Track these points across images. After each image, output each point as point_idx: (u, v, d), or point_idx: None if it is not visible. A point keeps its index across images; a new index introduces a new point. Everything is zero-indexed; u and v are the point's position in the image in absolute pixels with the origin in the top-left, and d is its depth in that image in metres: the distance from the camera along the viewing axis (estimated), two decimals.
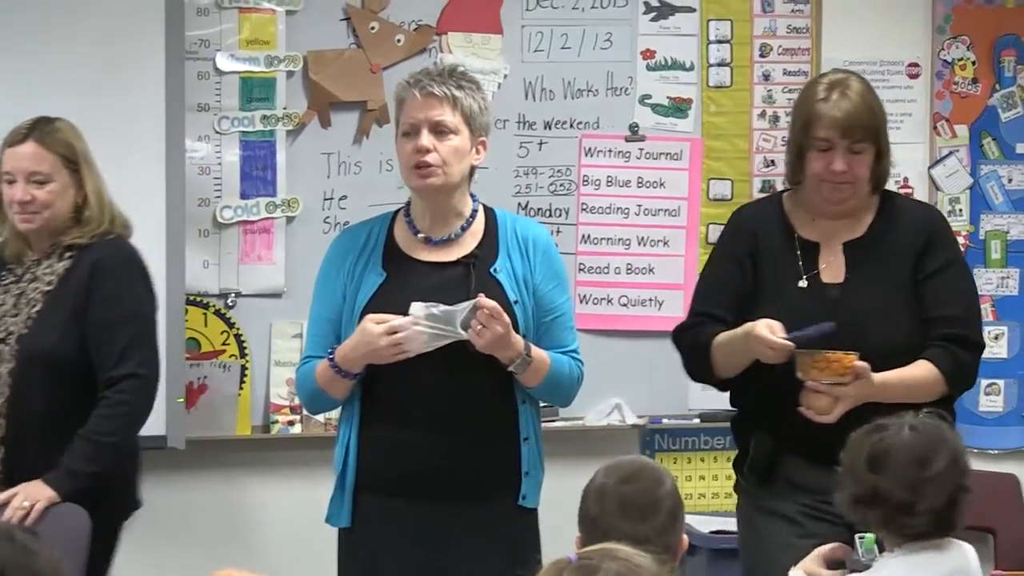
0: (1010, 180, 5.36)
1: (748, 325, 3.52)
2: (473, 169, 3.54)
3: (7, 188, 3.62)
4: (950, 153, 5.13)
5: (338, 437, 3.56)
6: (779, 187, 4.85)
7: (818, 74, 4.85)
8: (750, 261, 3.74)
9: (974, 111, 5.35)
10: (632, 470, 2.86)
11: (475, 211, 3.55)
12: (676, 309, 4.94)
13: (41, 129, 3.67)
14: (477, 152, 3.49)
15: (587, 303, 4.96)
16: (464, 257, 3.55)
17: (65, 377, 3.53)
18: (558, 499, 4.59)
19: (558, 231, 4.87)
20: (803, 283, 3.67)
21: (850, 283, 3.69)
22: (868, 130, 3.55)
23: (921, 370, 3.61)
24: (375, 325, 3.36)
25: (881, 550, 3.00)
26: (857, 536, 3.14)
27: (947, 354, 3.60)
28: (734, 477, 4.04)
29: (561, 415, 4.86)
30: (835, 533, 3.26)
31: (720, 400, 4.77)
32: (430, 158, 3.40)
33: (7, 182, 3.63)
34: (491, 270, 3.54)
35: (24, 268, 3.72)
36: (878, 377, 3.52)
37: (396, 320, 3.35)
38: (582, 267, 4.92)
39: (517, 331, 3.45)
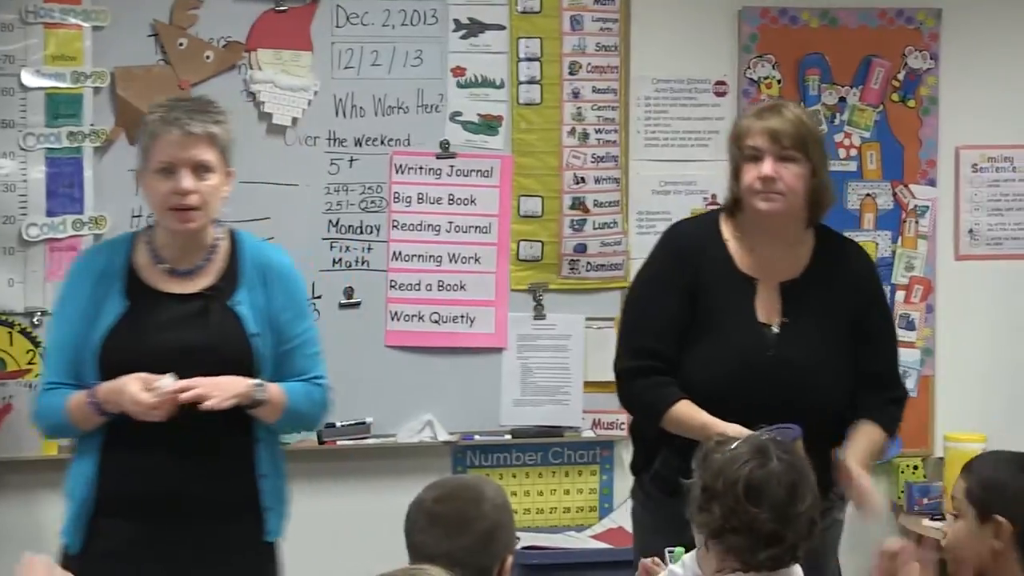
0: None
1: (710, 425, 3.51)
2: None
3: None
4: None
5: (75, 461, 3.55)
6: (589, 206, 5.04)
7: (626, 91, 5.04)
8: (691, 291, 3.71)
9: None
10: (451, 488, 2.89)
11: (218, 239, 3.56)
12: (487, 325, 5.03)
13: None
14: (228, 182, 3.50)
15: (398, 320, 4.97)
16: (205, 290, 3.52)
17: None
18: (368, 514, 4.71)
19: (369, 248, 4.90)
20: (742, 323, 3.71)
21: (787, 328, 3.70)
22: (797, 139, 3.57)
23: (877, 436, 3.73)
24: (140, 392, 3.36)
25: None
26: (668, 550, 3.19)
27: (889, 416, 3.75)
28: (562, 490, 4.08)
29: (373, 432, 4.90)
30: None
31: (531, 416, 5.04)
32: (192, 200, 3.37)
33: None
34: (230, 303, 3.53)
35: None
36: (859, 460, 3.66)
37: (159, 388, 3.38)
38: (393, 284, 4.92)
39: (254, 366, 3.49)
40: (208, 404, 3.31)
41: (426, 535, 2.68)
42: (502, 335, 5.04)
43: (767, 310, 3.68)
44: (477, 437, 5.04)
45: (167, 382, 3.32)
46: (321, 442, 4.85)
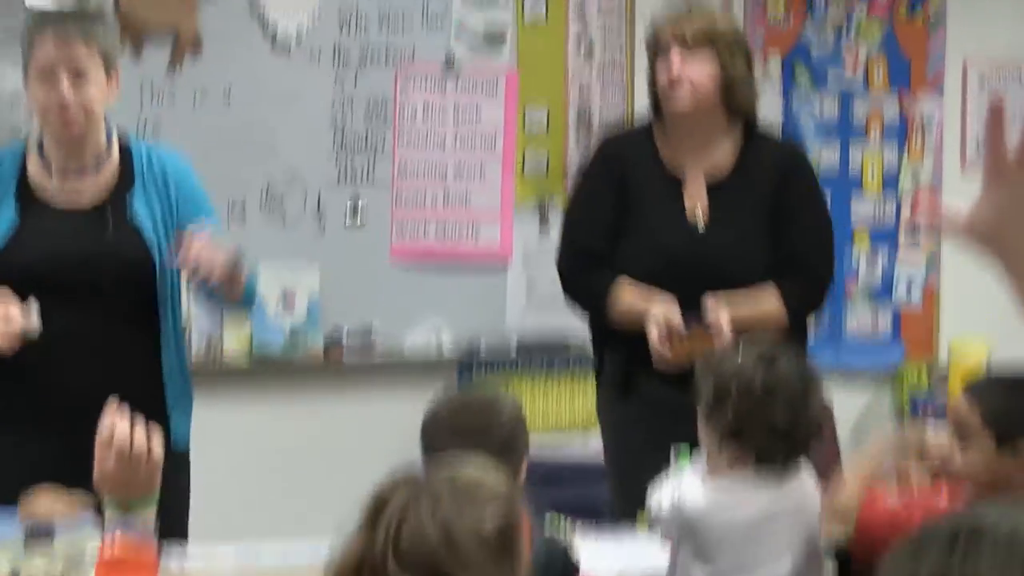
0: (820, 111, 5.53)
1: (648, 312, 3.66)
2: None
3: None
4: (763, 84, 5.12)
5: None
6: (594, 119, 5.11)
7: (631, 7, 5.07)
8: (619, 191, 3.82)
9: (787, 42, 5.50)
10: (468, 399, 3.11)
11: (110, 140, 3.56)
12: (493, 239, 5.11)
13: None
14: (113, 87, 3.51)
15: (404, 234, 5.07)
16: (101, 203, 3.57)
17: None
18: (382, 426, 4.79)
19: (374, 163, 4.98)
20: (669, 222, 3.80)
21: (713, 223, 3.80)
22: (701, 34, 3.65)
23: (770, 305, 3.78)
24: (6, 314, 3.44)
25: None
26: (674, 446, 3.38)
27: (795, 290, 3.77)
28: (553, 397, 4.15)
29: (380, 345, 5.01)
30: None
31: (534, 324, 5.14)
32: (72, 106, 3.42)
33: None
34: (127, 212, 3.56)
35: None
36: (733, 317, 3.68)
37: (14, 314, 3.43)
38: (398, 198, 5.03)
39: (155, 276, 3.54)
40: (212, 280, 3.38)
41: (447, 445, 2.75)
42: (507, 248, 5.13)
43: (693, 208, 3.82)
44: (483, 344, 5.13)
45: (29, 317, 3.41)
46: (327, 356, 4.95)
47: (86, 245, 3.48)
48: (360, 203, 5.10)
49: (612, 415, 4.00)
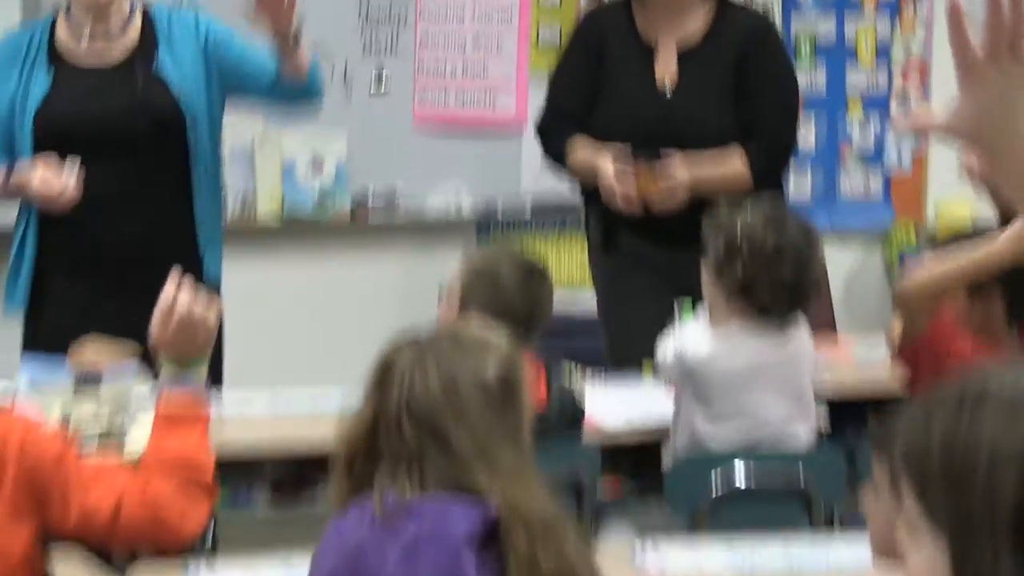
0: None
1: (599, 167, 3.78)
2: None
3: None
4: None
5: (16, 225, 3.73)
6: None
7: None
8: (596, 61, 3.96)
9: None
10: (506, 252, 3.30)
11: (133, 8, 3.71)
12: (508, 104, 5.21)
13: None
14: None
15: (426, 102, 5.14)
16: (128, 61, 3.73)
17: None
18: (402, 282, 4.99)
19: (397, 34, 5.04)
20: (640, 88, 3.93)
21: (680, 89, 3.93)
22: None
23: (733, 167, 3.86)
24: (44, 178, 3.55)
25: None
26: (677, 300, 3.52)
27: (758, 154, 3.87)
28: (565, 255, 4.29)
29: (403, 206, 5.08)
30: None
31: (548, 187, 5.10)
32: None
33: None
34: (153, 67, 3.73)
35: None
36: (696, 175, 3.79)
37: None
38: (420, 68, 5.08)
39: (185, 126, 3.69)
40: (285, 28, 3.53)
41: (479, 301, 2.96)
42: (523, 115, 5.13)
43: (666, 74, 3.93)
44: (500, 209, 5.22)
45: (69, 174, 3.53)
46: (353, 216, 5.06)
47: (117, 101, 3.62)
48: (384, 72, 5.13)
49: (597, 269, 4.15)
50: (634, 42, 3.93)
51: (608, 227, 3.97)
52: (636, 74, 3.98)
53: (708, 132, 3.87)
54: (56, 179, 3.54)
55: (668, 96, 3.94)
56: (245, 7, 3.51)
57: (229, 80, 3.76)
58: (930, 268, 3.29)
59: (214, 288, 3.71)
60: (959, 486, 1.27)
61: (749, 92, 3.95)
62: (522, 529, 2.15)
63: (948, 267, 3.18)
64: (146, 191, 3.68)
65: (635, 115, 3.89)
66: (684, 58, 3.95)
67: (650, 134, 3.86)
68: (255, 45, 3.71)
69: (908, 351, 3.33)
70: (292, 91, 3.76)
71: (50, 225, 3.65)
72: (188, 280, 2.52)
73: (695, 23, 3.90)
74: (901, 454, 1.34)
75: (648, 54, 3.93)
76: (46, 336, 3.67)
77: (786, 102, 4.03)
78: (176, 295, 2.49)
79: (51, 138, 3.63)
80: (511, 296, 3.15)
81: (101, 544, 2.69)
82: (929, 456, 1.31)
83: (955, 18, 1.47)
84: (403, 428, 2.10)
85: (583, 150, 3.87)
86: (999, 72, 1.46)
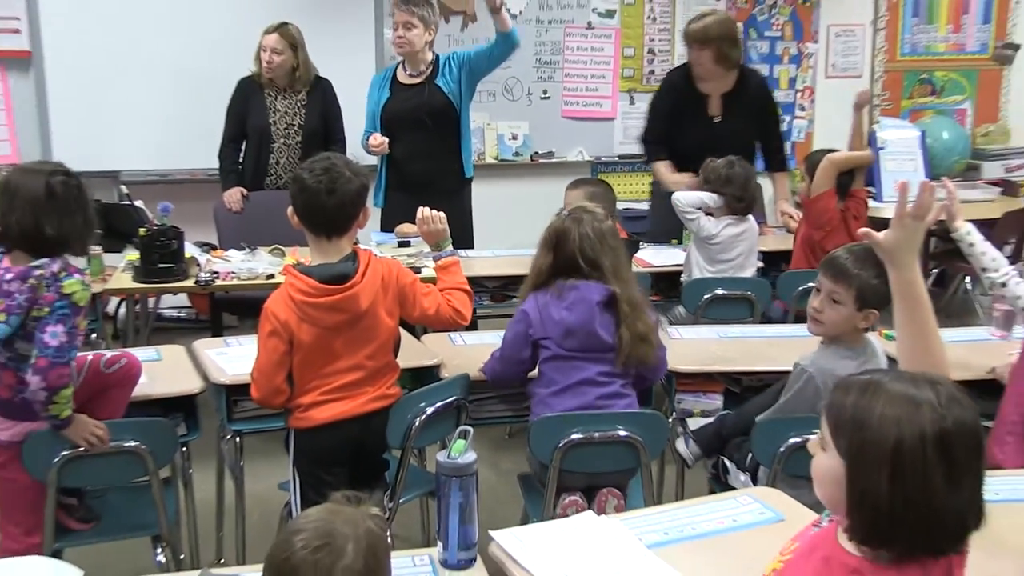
0: (759, 49, 7.65)
1: (672, 180, 4.78)
2: (428, 43, 5.07)
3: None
4: None
5: (379, 162, 5.13)
6: (656, 58, 7.26)
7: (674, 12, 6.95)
8: (673, 102, 5.23)
9: (743, 15, 7.58)
10: (590, 184, 4.42)
11: (433, 60, 5.05)
12: (608, 108, 7.47)
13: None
14: (430, 34, 4.98)
15: (567, 105, 7.47)
16: (424, 82, 5.01)
17: None
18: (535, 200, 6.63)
19: (554, 71, 7.21)
20: (699, 116, 5.19)
21: (726, 117, 5.19)
22: (698, 39, 5.00)
23: (780, 178, 5.37)
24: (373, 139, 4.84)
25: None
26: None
27: (778, 167, 5.36)
28: (636, 183, 6.43)
29: (555, 157, 7.15)
30: None
31: (625, 151, 7.41)
32: (402, 41, 4.97)
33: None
34: (436, 83, 5.05)
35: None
36: (784, 195, 5.13)
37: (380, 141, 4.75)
38: (565, 87, 7.40)
39: (453, 114, 4.93)
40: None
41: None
42: (614, 113, 7.55)
43: (715, 111, 5.18)
44: (603, 158, 7.41)
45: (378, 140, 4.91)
46: (532, 160, 7.16)
47: (418, 102, 5.06)
48: (545, 88, 7.32)
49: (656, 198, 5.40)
50: (694, 92, 5.24)
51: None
52: (695, 107, 5.18)
53: (742, 145, 4.98)
54: (381, 140, 5.04)
55: (717, 121, 5.23)
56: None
57: (474, 71, 5.12)
58: (837, 160, 4.47)
59: (467, 181, 5.10)
60: (859, 430, 1.55)
61: (764, 120, 5.27)
62: (625, 303, 2.91)
63: (844, 162, 4.40)
64: (432, 146, 5.13)
65: (695, 134, 5.14)
66: (724, 98, 5.21)
67: (705, 146, 4.95)
68: (477, 49, 5.09)
69: (809, 201, 4.61)
70: (504, 45, 4.95)
71: (390, 164, 5.21)
72: (429, 207, 3.31)
73: (728, 80, 5.24)
74: (827, 407, 1.62)
75: (703, 98, 5.24)
76: (386, 220, 5.20)
77: (778, 122, 5.53)
78: (425, 215, 3.31)
79: (383, 124, 5.17)
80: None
81: (430, 324, 3.30)
82: (843, 411, 1.58)
83: (901, 191, 2.11)
84: (576, 262, 2.96)
85: (662, 168, 5.16)
86: (910, 221, 2.07)
